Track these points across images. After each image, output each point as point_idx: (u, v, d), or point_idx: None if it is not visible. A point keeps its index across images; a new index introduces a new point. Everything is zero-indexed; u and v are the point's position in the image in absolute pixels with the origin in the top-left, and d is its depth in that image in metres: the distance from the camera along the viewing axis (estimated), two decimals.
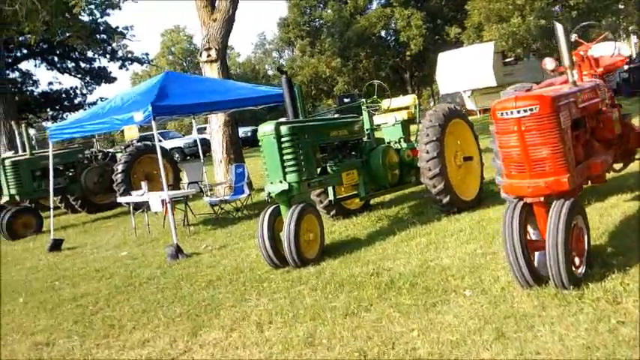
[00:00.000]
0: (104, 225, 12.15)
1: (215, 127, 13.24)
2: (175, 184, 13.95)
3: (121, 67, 51.63)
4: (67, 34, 25.55)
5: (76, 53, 47.02)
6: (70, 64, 47.75)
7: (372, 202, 8.77)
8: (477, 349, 3.52)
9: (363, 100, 7.86)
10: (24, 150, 12.90)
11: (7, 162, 12.06)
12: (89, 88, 49.38)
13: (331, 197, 7.46)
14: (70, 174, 13.17)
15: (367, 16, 42.58)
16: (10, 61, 41.97)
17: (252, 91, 9.63)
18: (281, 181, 6.15)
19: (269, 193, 6.15)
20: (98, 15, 40.24)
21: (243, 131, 39.94)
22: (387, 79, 53.36)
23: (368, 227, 7.52)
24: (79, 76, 47.87)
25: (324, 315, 4.47)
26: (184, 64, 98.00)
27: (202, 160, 12.12)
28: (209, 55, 13.12)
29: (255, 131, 40.29)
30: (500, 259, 4.97)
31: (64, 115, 48.84)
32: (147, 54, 54.96)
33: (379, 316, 4.30)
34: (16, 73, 45.35)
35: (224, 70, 13.09)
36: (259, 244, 6.09)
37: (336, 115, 8.48)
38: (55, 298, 6.52)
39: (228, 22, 12.96)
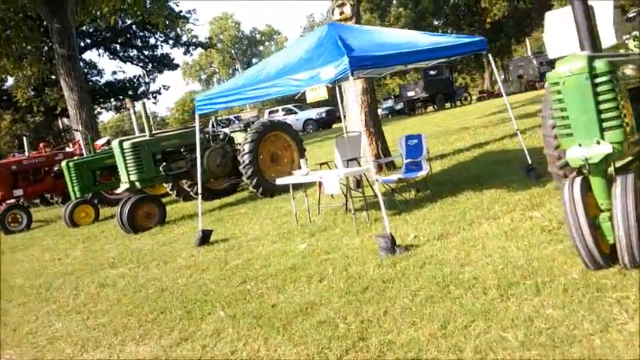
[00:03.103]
0: (236, 212, 10.57)
1: (352, 96, 11.47)
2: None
3: (185, 53, 50.97)
4: (149, 14, 24.27)
5: (139, 41, 46.45)
6: (132, 53, 47.22)
7: None
8: None
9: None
10: (141, 131, 11.47)
11: (127, 144, 10.61)
12: (151, 76, 48.87)
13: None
14: (193, 156, 11.66)
15: None
16: None
17: (443, 40, 7.76)
18: (598, 142, 4.27)
19: (585, 159, 4.28)
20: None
21: (317, 112, 38.31)
22: None
23: None
24: (141, 64, 47.31)
25: None
26: (233, 52, 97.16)
27: (360, 132, 10.29)
28: (342, 13, 11.33)
29: (329, 112, 38.44)
30: None
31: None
32: (210, 38, 54.03)
33: None
34: (81, 64, 45.08)
35: None
36: (573, 236, 4.24)
37: None
38: (270, 309, 4.89)
39: None
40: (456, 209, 7.26)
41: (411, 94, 34.27)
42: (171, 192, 13.34)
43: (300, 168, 12.14)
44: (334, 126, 38.15)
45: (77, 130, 18.18)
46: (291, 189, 8.40)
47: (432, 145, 14.23)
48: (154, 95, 48.59)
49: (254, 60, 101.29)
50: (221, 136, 12.40)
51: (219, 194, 12.97)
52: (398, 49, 7.07)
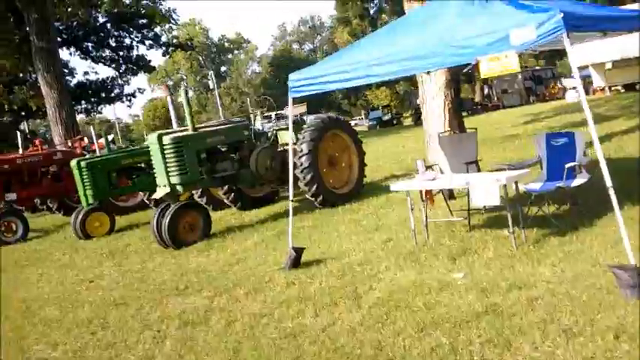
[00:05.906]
0: (300, 226, 8.65)
1: (432, 89, 9.80)
2: (362, 170, 10.63)
3: (164, 54, 48.53)
4: (144, 4, 22.17)
5: (113, 40, 43.85)
6: (105, 53, 44.59)
7: None
8: None
9: None
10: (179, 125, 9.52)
11: (167, 139, 8.65)
12: (124, 78, 46.19)
13: None
14: (239, 157, 9.76)
15: None
16: None
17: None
18: None
19: None
20: None
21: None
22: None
23: None
24: (114, 65, 44.69)
25: None
26: (201, 59, 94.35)
27: (474, 131, 8.55)
28: None
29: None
30: None
31: (99, 108, 45.49)
32: (191, 39, 51.69)
33: None
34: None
35: None
36: None
37: None
38: None
39: None
40: None
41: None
42: (199, 199, 11.34)
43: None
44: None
45: (90, 124, 15.95)
46: (408, 199, 6.57)
47: (489, 152, 12.65)
48: (129, 98, 45.92)
49: (222, 68, 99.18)
50: (268, 134, 10.53)
51: (258, 203, 11.09)
52: (609, 12, 5.46)
